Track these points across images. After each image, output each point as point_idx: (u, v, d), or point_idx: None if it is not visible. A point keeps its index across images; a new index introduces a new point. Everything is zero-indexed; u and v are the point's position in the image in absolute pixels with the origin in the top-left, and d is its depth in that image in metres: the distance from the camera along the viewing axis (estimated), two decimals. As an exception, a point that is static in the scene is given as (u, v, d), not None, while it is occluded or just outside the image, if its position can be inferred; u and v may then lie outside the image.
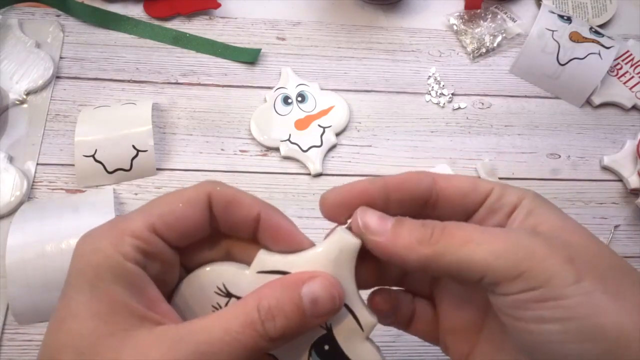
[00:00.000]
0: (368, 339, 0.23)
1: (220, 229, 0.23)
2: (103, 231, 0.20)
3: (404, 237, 0.21)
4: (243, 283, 0.22)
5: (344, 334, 0.23)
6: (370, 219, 0.22)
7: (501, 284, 0.20)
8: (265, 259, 0.22)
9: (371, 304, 0.26)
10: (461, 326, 0.25)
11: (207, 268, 0.23)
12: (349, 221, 0.23)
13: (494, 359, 0.23)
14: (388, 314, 0.26)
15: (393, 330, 0.44)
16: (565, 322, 0.19)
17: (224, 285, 0.23)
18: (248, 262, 0.23)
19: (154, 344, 0.18)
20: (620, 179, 0.51)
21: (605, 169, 0.52)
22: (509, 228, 0.22)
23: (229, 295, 0.22)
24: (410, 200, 0.23)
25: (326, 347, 0.23)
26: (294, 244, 0.23)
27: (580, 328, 0.19)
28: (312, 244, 0.23)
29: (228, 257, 0.24)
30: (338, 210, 0.23)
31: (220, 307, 0.23)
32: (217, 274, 0.23)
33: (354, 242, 0.22)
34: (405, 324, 0.27)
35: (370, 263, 0.24)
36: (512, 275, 0.19)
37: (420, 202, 0.23)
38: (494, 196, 0.23)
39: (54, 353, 0.18)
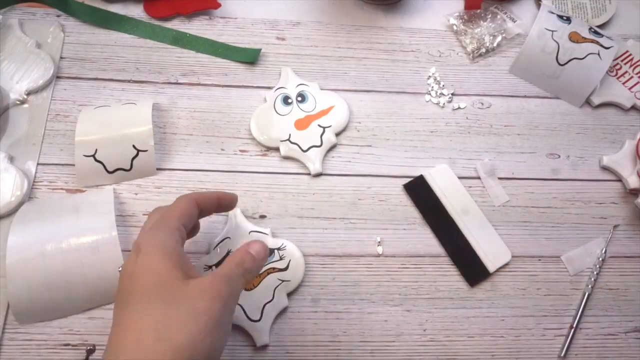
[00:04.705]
0: None
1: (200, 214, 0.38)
2: (161, 229, 0.34)
3: None
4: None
5: None
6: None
7: None
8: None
9: None
10: None
11: None
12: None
13: None
14: None
15: (393, 330, 0.45)
16: None
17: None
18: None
19: (203, 283, 0.32)
20: (619, 179, 0.52)
21: (605, 169, 0.52)
22: None
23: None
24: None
25: None
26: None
27: None
28: None
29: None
30: None
31: None
32: None
33: None
34: None
35: None
36: None
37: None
38: None
39: (135, 285, 0.31)
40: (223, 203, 0.40)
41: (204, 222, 0.46)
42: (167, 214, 0.35)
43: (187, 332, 0.29)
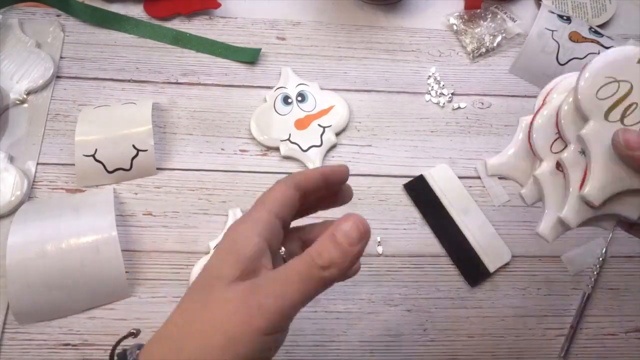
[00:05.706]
0: None
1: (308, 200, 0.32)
2: (246, 220, 0.29)
3: None
4: None
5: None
6: (631, 136, 0.27)
7: None
8: None
9: None
10: None
11: None
12: None
13: None
14: None
15: (393, 330, 0.45)
16: None
17: None
18: None
19: (236, 294, 0.26)
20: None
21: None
22: None
23: None
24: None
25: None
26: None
27: None
28: None
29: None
30: None
31: None
32: None
33: None
34: None
35: None
36: None
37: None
38: None
39: (197, 278, 0.27)
40: (330, 178, 0.32)
41: (202, 222, 0.46)
42: (257, 204, 0.30)
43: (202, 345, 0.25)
